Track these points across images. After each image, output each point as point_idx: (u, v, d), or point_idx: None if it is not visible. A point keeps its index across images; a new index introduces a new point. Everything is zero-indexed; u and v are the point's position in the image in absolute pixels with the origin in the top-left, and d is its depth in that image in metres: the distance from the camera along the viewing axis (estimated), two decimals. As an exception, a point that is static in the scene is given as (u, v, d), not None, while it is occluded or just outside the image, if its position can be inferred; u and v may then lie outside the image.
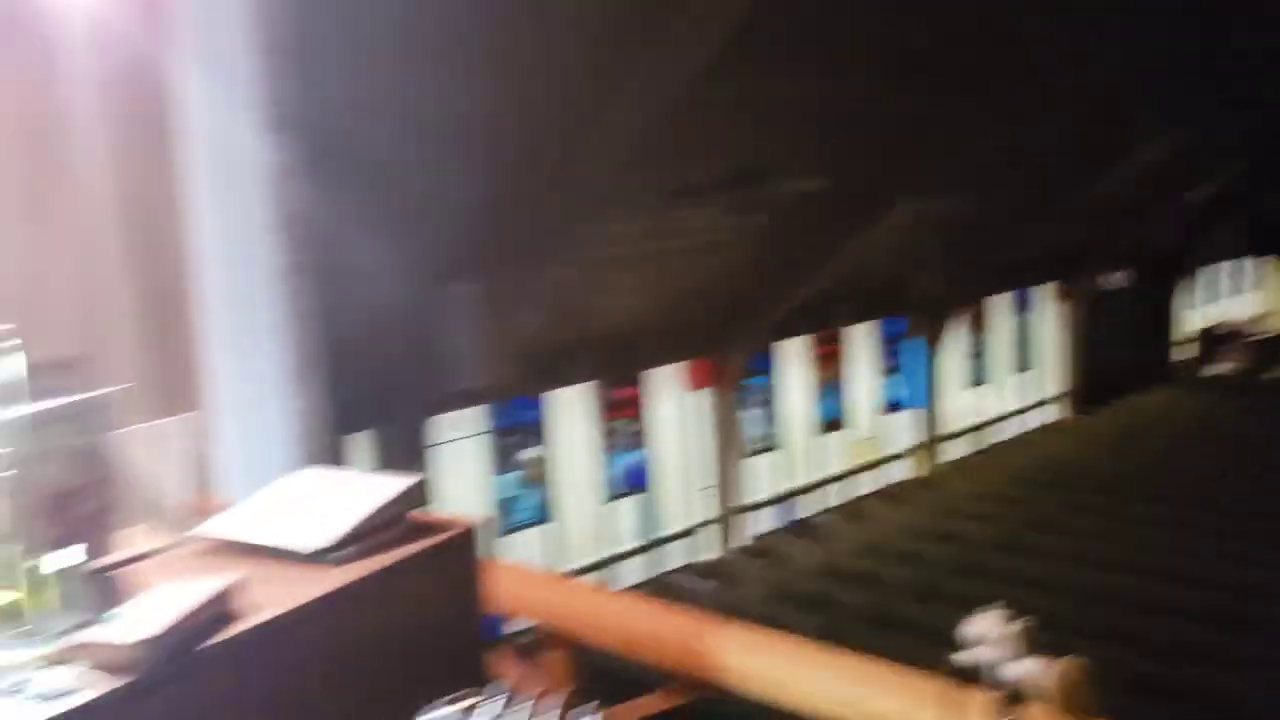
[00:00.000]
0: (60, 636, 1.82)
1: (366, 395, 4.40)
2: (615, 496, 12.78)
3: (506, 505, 11.54)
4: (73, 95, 3.14)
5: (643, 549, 13.04)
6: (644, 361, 12.54)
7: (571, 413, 12.24)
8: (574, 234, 7.66)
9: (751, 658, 2.37)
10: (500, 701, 1.86)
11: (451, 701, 1.88)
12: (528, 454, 11.86)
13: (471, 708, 1.78)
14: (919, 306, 15.46)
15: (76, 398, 2.05)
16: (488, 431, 11.39)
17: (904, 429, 16.17)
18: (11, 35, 3.02)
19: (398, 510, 2.33)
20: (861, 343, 15.55)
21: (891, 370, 16.03)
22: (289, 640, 1.96)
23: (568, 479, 12.20)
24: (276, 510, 2.31)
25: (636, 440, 12.82)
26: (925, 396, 16.21)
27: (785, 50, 6.83)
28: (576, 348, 10.49)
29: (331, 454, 3.70)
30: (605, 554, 12.55)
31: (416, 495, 2.40)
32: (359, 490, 2.37)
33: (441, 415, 9.98)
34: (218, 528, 2.27)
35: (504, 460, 11.58)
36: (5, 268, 2.06)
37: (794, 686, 2.34)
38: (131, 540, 2.24)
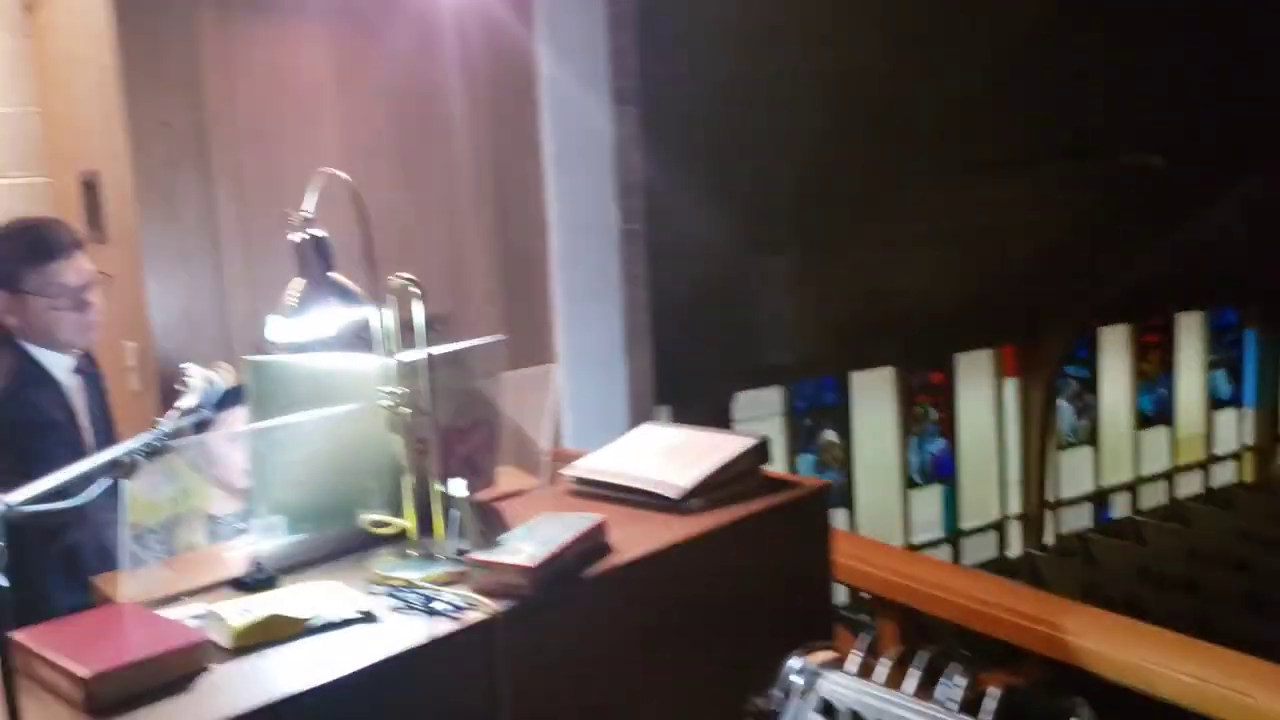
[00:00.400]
0: (450, 560, 1.98)
1: (679, 366, 4.50)
2: (915, 485, 12.46)
3: (804, 489, 11.49)
4: (445, 71, 3.38)
5: (943, 541, 12.65)
6: (952, 345, 12.09)
7: (873, 396, 12.02)
8: (886, 209, 7.49)
9: (1118, 642, 2.25)
10: (858, 658, 1.85)
11: (807, 652, 1.88)
12: (825, 437, 11.78)
13: (836, 661, 1.78)
14: (1255, 296, 14.09)
15: (465, 344, 2.22)
16: (786, 412, 11.39)
17: (1233, 428, 14.82)
18: (393, 15, 3.29)
19: (748, 464, 2.37)
20: (1191, 333, 14.35)
21: (1222, 364, 14.73)
22: (652, 578, 2.03)
23: (866, 464, 12.00)
24: (631, 459, 2.40)
25: (941, 427, 12.44)
26: (1259, 394, 14.78)
27: (1130, 11, 6.39)
28: (882, 329, 10.25)
29: (654, 416, 3.82)
30: (902, 544, 12.27)
31: (763, 451, 2.43)
32: (707, 444, 2.42)
33: (741, 392, 10.05)
34: (580, 471, 2.39)
35: (801, 442, 11.54)
36: (386, 228, 2.24)
37: (1162, 673, 2.20)
38: (504, 479, 2.39)
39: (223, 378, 2.18)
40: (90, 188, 3.36)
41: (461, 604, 1.80)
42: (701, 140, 4.40)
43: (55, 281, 2.47)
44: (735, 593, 2.20)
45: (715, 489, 2.27)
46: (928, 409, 12.99)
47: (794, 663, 1.78)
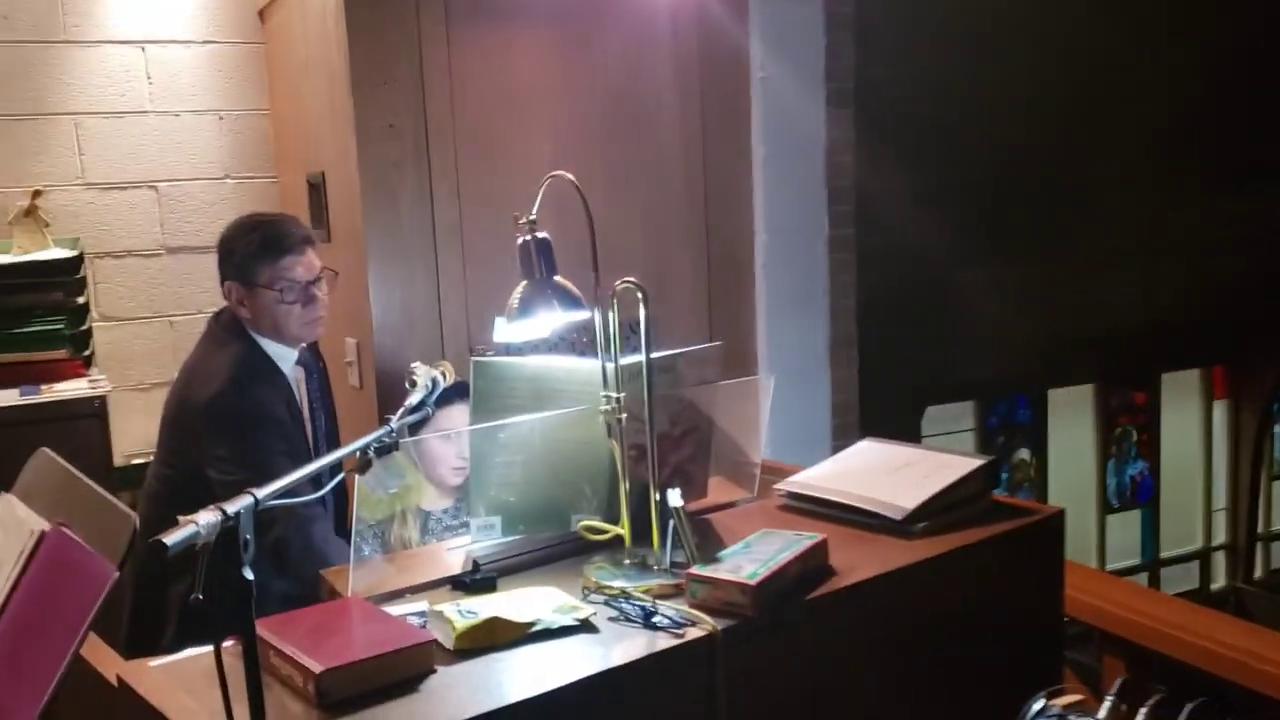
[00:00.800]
0: (666, 572, 1.93)
1: (873, 377, 4.37)
2: (1113, 509, 11.81)
3: (992, 507, 11.08)
4: (658, 72, 3.36)
5: (1140, 568, 11.96)
6: (1158, 364, 11.41)
7: (1071, 414, 11.47)
8: (1092, 222, 7.13)
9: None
10: (1109, 703, 1.71)
11: (1050, 696, 1.76)
12: (1018, 455, 11.30)
13: (1083, 705, 1.65)
14: None
15: (681, 350, 2.17)
16: (977, 428, 10.98)
17: None
18: (610, 18, 3.29)
19: (977, 487, 2.24)
20: None
21: None
22: (874, 604, 1.94)
23: (1060, 485, 11.44)
24: (850, 475, 2.31)
25: (1141, 450, 11.77)
26: None
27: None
28: (1084, 345, 9.76)
29: (857, 429, 3.70)
30: (1097, 569, 11.65)
31: (992, 474, 2.30)
32: (933, 464, 2.31)
33: (932, 407, 9.73)
34: (795, 486, 2.31)
35: (993, 460, 11.07)
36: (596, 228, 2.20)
37: None
38: (713, 490, 2.34)
39: (445, 375, 2.21)
40: (316, 187, 3.48)
41: (681, 619, 1.75)
42: (911, 146, 4.26)
43: (285, 276, 2.55)
44: (961, 623, 2.08)
45: (941, 512, 2.15)
46: (1129, 430, 12.32)
47: (1036, 705, 1.67)
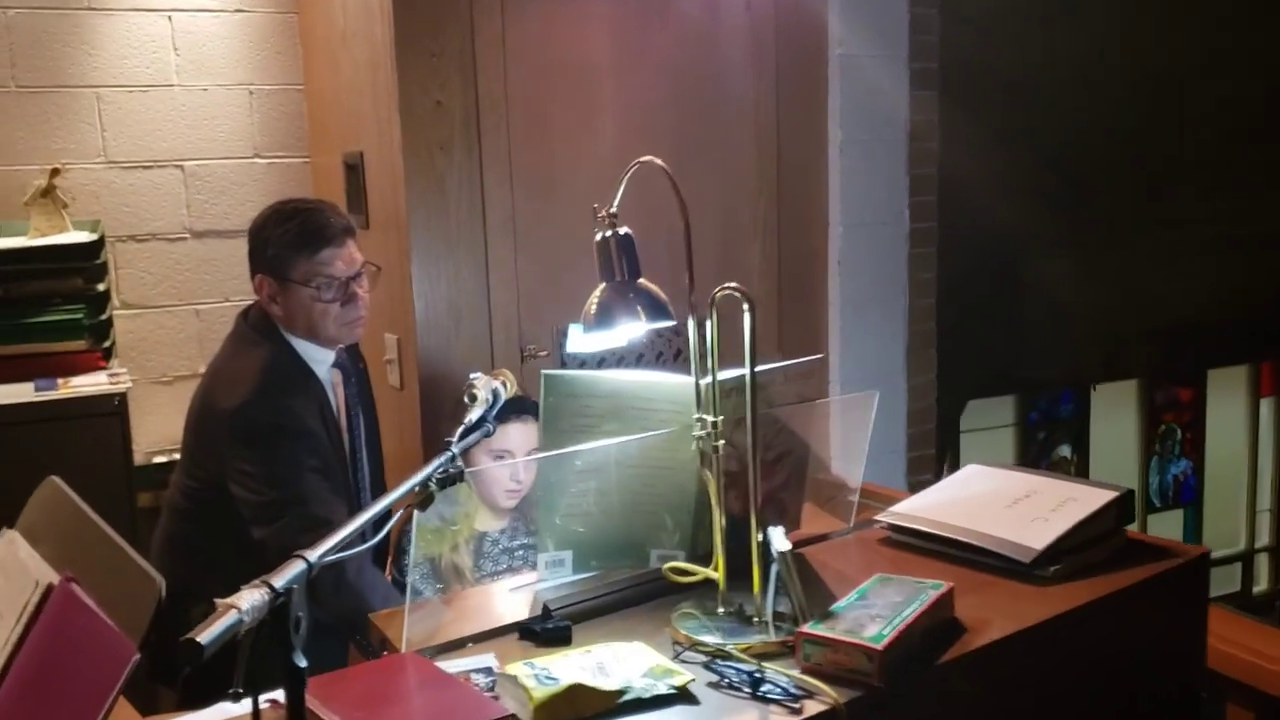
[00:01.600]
0: (768, 626, 1.67)
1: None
2: (1155, 508, 11.49)
3: (1031, 504, 10.78)
4: (729, 46, 3.08)
5: (1182, 570, 11.63)
6: (1206, 360, 11.08)
7: (1114, 411, 11.15)
8: (1161, 215, 6.83)
9: None
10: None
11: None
12: (1059, 452, 11.00)
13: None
14: None
15: (782, 364, 1.91)
16: (1015, 424, 10.67)
17: None
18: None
19: (1110, 523, 1.97)
20: None
21: None
22: (1011, 663, 1.67)
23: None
24: (962, 507, 2.04)
25: (1185, 447, 11.43)
26: None
27: None
28: (1129, 338, 9.47)
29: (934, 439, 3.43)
30: (1219, 607, 11.33)
31: (1128, 507, 2.02)
32: (1058, 494, 2.04)
33: (972, 400, 9.45)
34: (901, 519, 2.04)
35: (1032, 457, 10.80)
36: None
37: None
38: (808, 521, 2.08)
39: (506, 385, 1.95)
40: (353, 169, 3.22)
41: (796, 689, 1.49)
42: (992, 130, 3.94)
43: (323, 271, 2.28)
44: (1099, 681, 1.81)
45: (1073, 552, 1.88)
46: (1174, 427, 11.98)
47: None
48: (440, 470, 1.54)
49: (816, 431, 2.03)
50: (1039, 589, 1.81)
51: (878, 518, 2.07)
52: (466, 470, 1.64)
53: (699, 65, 3.09)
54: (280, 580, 1.00)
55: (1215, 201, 8.04)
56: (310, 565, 1.06)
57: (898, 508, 2.08)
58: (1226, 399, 12.40)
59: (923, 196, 3.28)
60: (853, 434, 2.06)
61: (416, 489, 1.48)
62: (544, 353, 3.04)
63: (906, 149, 3.19)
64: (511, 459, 2.41)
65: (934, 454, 3.61)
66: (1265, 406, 12.38)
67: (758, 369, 1.79)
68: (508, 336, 2.98)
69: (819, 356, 1.98)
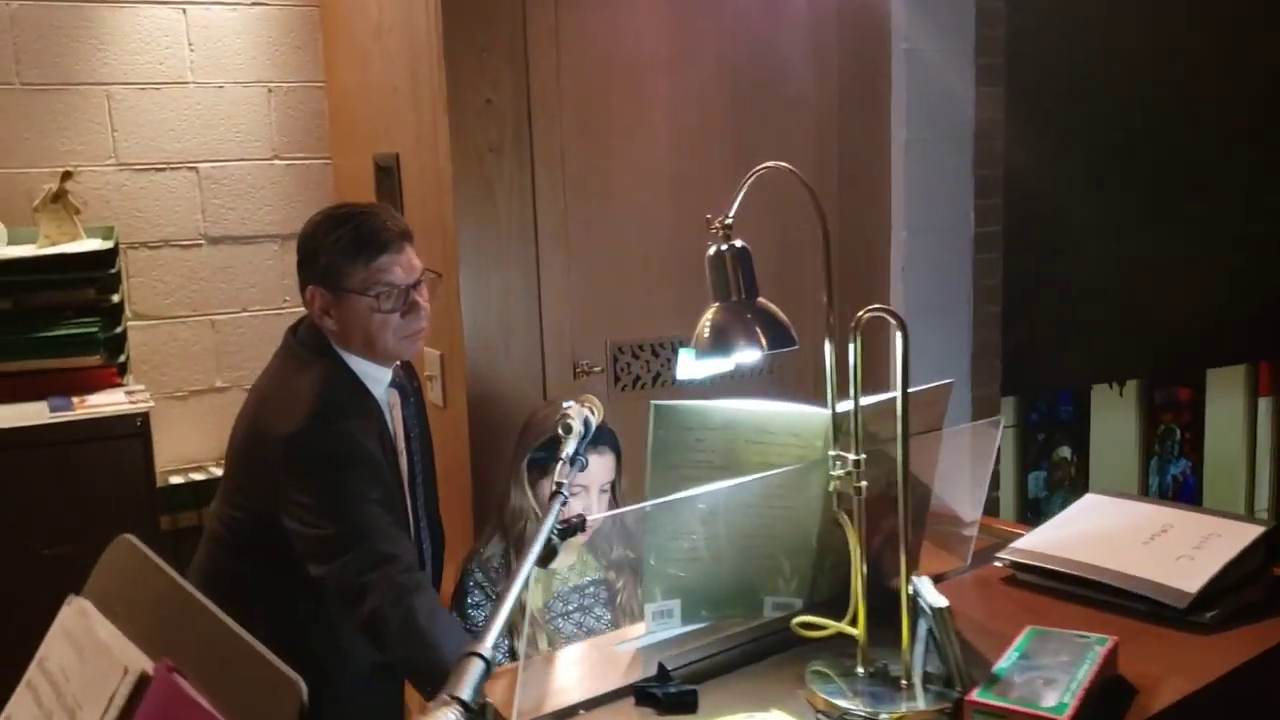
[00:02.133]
0: (920, 691, 1.49)
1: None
2: (1154, 509, 11.42)
3: (1031, 507, 10.70)
4: (789, 43, 2.90)
5: (1182, 570, 11.57)
6: (1205, 359, 11.01)
7: (1114, 411, 11.07)
8: (1150, 213, 6.71)
9: None
10: None
11: None
12: (1059, 453, 10.92)
13: None
14: None
15: (910, 390, 1.73)
16: (1015, 425, 10.59)
17: None
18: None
19: (1258, 561, 1.81)
20: None
21: None
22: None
23: (1101, 484, 11.08)
24: (1093, 543, 1.87)
25: (1184, 448, 11.38)
26: None
27: None
28: (1128, 339, 9.38)
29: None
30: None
31: (1273, 542, 1.86)
32: (1200, 529, 1.87)
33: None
34: (1027, 556, 1.87)
35: (1031, 458, 10.72)
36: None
37: None
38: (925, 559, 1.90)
39: (593, 412, 1.78)
40: (386, 172, 3.02)
41: (973, 768, 1.32)
42: (1061, 129, 3.77)
43: (382, 280, 2.09)
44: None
45: (1226, 594, 1.72)
46: (1173, 427, 11.93)
47: None
48: (563, 526, 1.36)
49: (937, 462, 1.85)
50: (1200, 638, 1.65)
51: (1001, 555, 1.90)
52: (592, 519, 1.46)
53: (757, 60, 2.90)
54: (467, 691, 0.81)
55: (1215, 201, 7.95)
56: (489, 665, 0.87)
57: (1022, 544, 1.91)
58: (1225, 399, 12.37)
59: (986, 199, 3.12)
60: (976, 465, 1.89)
61: (548, 547, 1.30)
62: (598, 368, 2.85)
63: (973, 149, 3.02)
64: (587, 494, 2.23)
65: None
66: (1263, 406, 12.36)
67: (884, 398, 1.63)
68: (559, 351, 2.79)
69: (949, 381, 1.80)
